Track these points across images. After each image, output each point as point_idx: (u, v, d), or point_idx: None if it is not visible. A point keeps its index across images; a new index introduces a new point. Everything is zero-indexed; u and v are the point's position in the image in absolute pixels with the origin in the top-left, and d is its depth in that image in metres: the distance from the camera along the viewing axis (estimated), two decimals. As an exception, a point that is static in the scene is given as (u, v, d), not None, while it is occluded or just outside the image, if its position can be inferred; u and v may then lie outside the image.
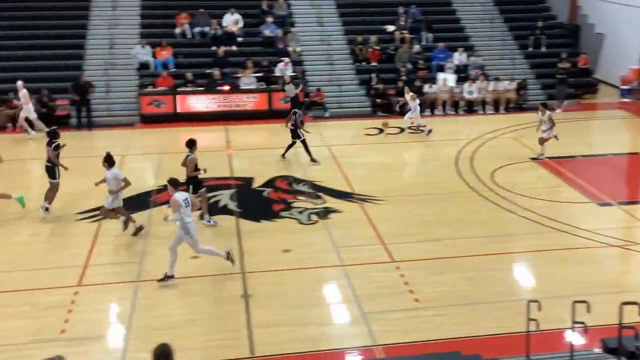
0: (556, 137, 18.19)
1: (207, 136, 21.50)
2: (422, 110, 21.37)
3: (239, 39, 25.50)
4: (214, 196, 15.61)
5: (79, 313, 10.80)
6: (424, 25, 26.98)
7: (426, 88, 23.97)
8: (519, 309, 9.64)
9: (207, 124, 21.85)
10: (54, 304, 11.03)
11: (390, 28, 26.84)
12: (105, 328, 10.64)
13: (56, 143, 14.55)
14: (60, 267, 12.32)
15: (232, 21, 25.71)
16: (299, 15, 27.22)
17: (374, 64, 25.44)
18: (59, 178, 14.63)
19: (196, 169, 13.75)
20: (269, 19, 25.86)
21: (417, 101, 20.94)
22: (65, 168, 14.73)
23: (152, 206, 15.18)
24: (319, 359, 9.67)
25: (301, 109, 18.98)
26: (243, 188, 16.47)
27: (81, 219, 14.50)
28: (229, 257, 12.07)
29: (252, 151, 19.08)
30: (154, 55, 24.06)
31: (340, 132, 21.62)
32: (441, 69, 25.10)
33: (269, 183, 16.65)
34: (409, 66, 25.12)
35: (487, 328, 10.17)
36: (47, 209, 14.49)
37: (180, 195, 11.44)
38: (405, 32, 26.47)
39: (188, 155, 13.84)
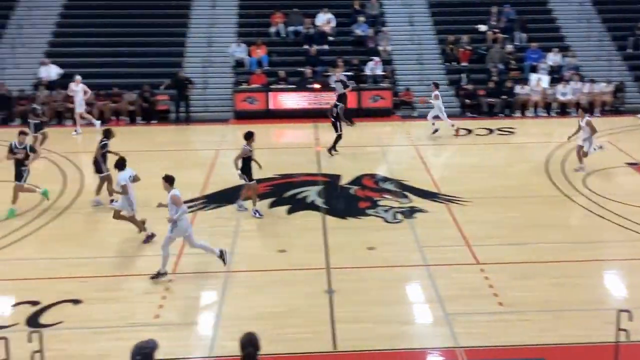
0: (601, 147, 17.31)
1: (297, 133, 21.87)
2: (512, 112, 20.92)
3: (331, 38, 25.70)
4: (302, 192, 15.84)
5: (173, 300, 11.20)
6: (517, 24, 26.39)
7: (518, 89, 23.47)
8: (607, 319, 9.33)
9: (298, 121, 22.17)
10: (149, 290, 11.47)
11: (483, 28, 26.41)
12: (196, 315, 11.00)
13: (104, 142, 15.09)
14: (156, 255, 12.77)
15: (324, 20, 25.94)
16: (391, 14, 27.16)
17: (464, 64, 25.13)
18: (106, 172, 15.07)
19: (249, 159, 14.34)
20: (361, 19, 25.95)
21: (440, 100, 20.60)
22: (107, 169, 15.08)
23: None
24: (400, 357, 9.68)
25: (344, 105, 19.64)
26: (330, 185, 16.63)
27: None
28: (221, 256, 12.04)
29: (340, 148, 19.20)
30: (249, 54, 24.58)
31: (428, 132, 21.47)
32: (534, 69, 24.50)
33: (356, 181, 16.74)
34: (501, 66, 24.65)
35: (573, 336, 9.88)
36: (111, 201, 14.84)
37: (178, 191, 11.74)
38: (497, 31, 25.98)
39: (244, 145, 14.47)
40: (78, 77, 21.61)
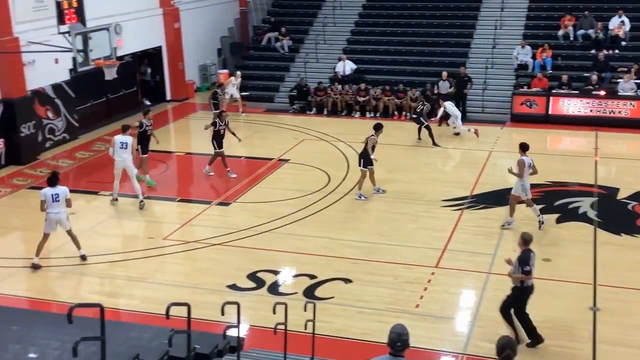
0: None
1: (576, 140, 20.63)
2: None
3: (623, 43, 23.69)
4: (574, 202, 14.96)
5: (433, 292, 11.35)
6: None
7: None
8: None
9: (577, 128, 20.86)
10: (412, 280, 11.75)
11: None
12: (454, 311, 11.02)
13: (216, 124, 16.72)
14: (422, 247, 13.03)
15: (617, 24, 23.98)
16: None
17: None
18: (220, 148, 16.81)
19: (372, 149, 15.14)
20: (660, 24, 23.52)
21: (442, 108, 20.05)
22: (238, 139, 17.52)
23: (509, 203, 15.09)
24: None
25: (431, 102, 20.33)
26: (606, 198, 15.44)
27: (446, 206, 15.07)
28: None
29: (621, 161, 17.73)
30: (533, 56, 23.66)
31: None
32: None
33: (636, 196, 15.34)
34: None
35: None
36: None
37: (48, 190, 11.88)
38: None
39: (372, 135, 15.30)
40: (238, 72, 23.74)
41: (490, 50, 24.50)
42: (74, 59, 16.47)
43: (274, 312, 8.29)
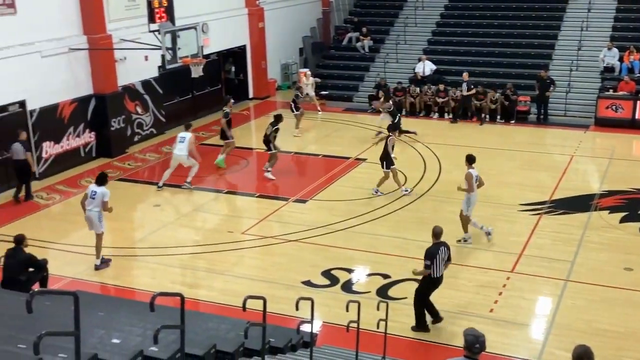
0: None
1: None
2: None
3: None
4: (660, 211, 14.33)
5: (508, 297, 11.10)
6: None
7: None
8: None
9: (665, 134, 19.96)
10: (486, 284, 11.54)
11: None
12: (529, 317, 10.74)
13: (276, 127, 16.73)
14: (497, 251, 12.77)
15: None
16: None
17: None
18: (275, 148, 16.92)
19: (392, 149, 15.34)
20: None
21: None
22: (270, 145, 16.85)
23: (592, 210, 14.62)
24: None
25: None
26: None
27: (524, 210, 14.72)
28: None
29: None
30: (620, 59, 22.75)
31: None
32: None
33: None
34: None
35: None
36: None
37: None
38: None
39: (389, 136, 15.47)
40: (308, 71, 23.79)
41: (575, 52, 23.73)
42: (163, 57, 17.02)
43: (347, 310, 8.34)
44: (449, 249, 10.10)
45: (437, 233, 10.04)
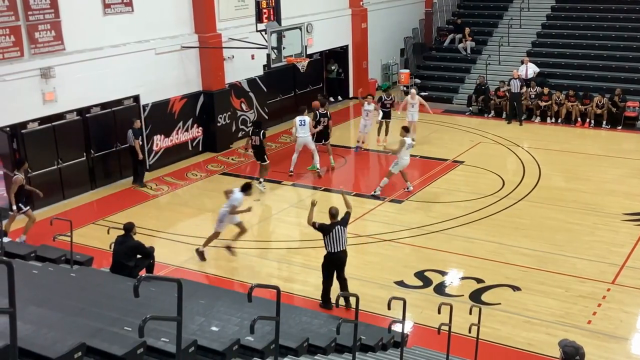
0: None
1: None
2: None
3: None
4: None
5: (608, 309, 10.61)
6: None
7: None
8: None
9: None
10: (585, 294, 11.06)
11: None
12: (630, 331, 10.21)
13: (262, 131, 16.16)
14: (598, 261, 12.23)
15: None
16: None
17: None
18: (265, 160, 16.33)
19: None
20: None
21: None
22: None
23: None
24: None
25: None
26: None
27: (627, 220, 14.01)
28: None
29: None
30: None
31: None
32: None
33: None
34: None
35: None
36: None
37: None
38: None
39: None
40: (413, 91, 20.31)
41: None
42: (268, 56, 17.36)
43: (439, 312, 8.23)
44: (344, 231, 10.41)
45: (333, 214, 10.51)
